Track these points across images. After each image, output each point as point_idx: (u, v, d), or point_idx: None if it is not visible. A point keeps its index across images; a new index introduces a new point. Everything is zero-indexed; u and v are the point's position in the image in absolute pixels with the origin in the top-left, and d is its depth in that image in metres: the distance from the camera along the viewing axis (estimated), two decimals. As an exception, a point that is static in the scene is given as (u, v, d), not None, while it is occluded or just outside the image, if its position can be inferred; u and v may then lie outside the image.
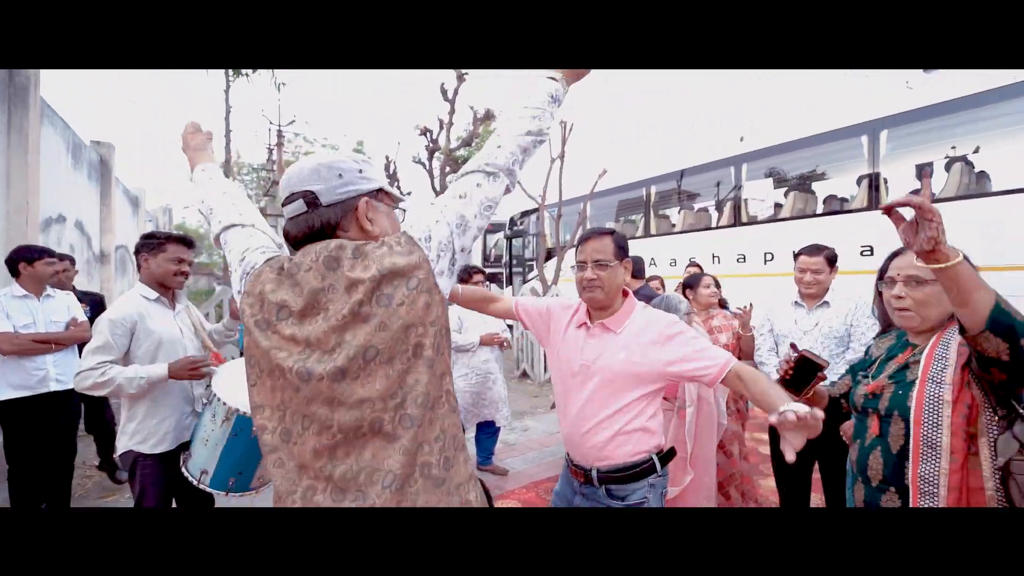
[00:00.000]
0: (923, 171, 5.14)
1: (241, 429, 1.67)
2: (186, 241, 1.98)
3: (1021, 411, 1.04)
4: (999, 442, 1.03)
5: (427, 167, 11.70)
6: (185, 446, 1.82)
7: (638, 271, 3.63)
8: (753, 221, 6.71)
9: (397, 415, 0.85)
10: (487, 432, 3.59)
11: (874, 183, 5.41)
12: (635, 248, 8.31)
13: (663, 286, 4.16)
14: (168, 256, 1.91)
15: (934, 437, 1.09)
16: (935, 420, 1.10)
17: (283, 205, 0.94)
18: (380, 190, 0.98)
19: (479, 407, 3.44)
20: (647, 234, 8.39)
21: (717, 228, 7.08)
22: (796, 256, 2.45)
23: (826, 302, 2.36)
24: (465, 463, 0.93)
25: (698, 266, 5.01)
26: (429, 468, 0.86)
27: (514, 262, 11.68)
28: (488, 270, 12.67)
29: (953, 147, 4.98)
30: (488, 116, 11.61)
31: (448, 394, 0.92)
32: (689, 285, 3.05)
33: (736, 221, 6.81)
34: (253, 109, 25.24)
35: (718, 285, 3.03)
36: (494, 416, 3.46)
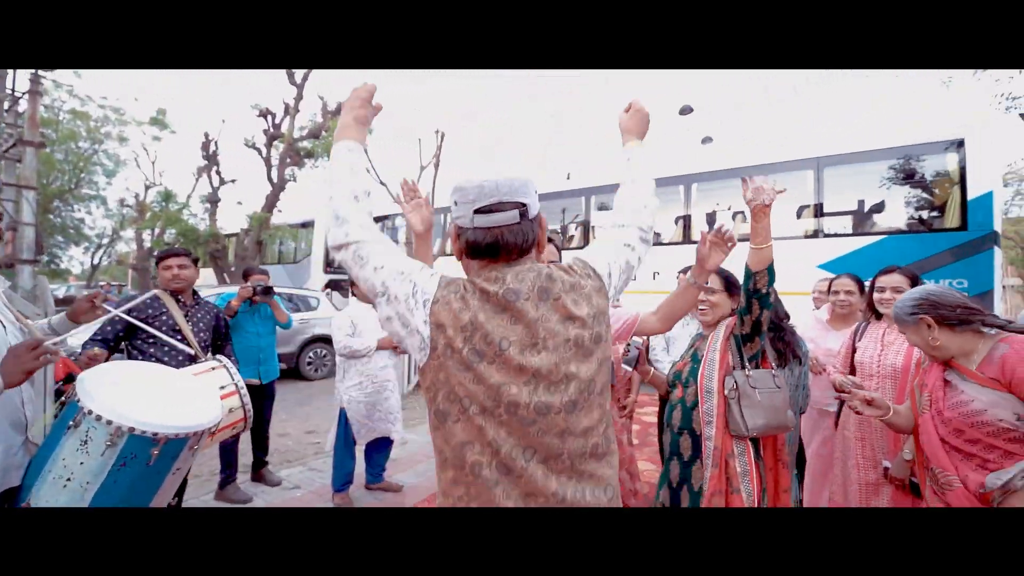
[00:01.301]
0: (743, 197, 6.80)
1: (134, 455, 1.19)
2: None
3: (746, 362, 1.74)
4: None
5: (263, 154, 10.18)
6: (12, 493, 1.20)
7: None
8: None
9: (602, 438, 0.92)
10: (379, 447, 3.24)
11: (687, 223, 7.07)
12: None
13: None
14: None
15: (710, 386, 1.72)
16: (710, 374, 1.73)
17: (485, 212, 0.88)
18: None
19: (373, 420, 3.09)
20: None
21: (573, 249, 7.92)
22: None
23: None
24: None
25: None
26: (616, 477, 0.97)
27: (363, 269, 10.93)
28: (331, 276, 11.65)
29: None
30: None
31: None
32: None
33: (587, 243, 7.75)
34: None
35: None
36: (389, 430, 3.15)
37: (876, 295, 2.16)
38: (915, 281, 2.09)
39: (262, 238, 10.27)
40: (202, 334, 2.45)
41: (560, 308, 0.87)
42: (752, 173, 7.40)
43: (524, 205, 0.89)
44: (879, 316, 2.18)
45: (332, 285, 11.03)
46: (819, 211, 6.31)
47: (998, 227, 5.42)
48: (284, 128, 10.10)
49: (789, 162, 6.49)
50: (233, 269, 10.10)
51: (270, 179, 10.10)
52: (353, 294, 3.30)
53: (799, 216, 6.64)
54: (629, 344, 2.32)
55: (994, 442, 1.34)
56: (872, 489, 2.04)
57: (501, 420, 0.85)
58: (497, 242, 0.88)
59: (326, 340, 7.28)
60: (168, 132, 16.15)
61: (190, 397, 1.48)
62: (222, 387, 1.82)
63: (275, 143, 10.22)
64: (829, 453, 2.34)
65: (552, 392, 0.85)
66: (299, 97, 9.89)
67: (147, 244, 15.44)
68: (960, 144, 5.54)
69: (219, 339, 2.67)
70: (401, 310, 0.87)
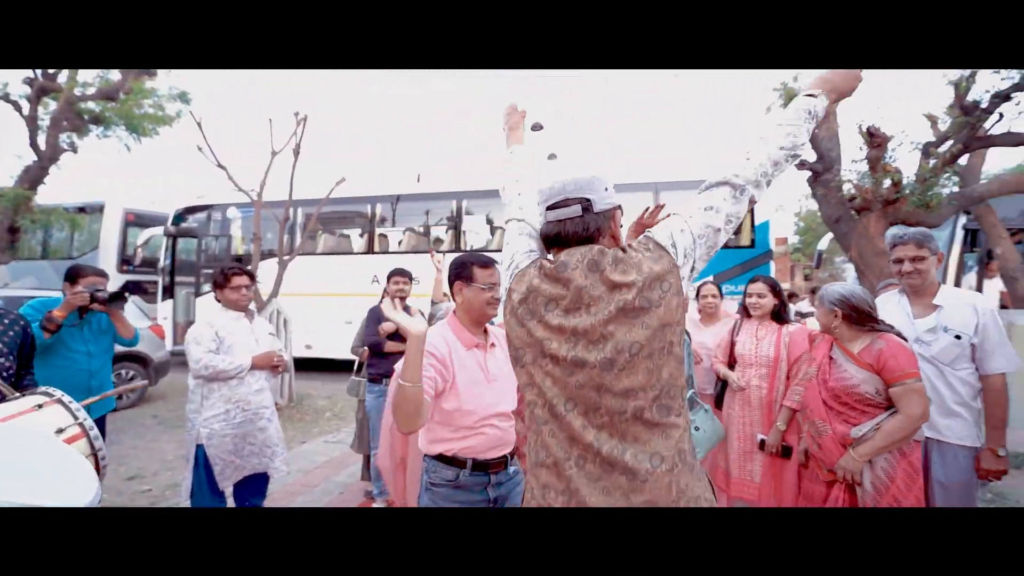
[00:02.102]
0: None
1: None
2: None
3: None
4: None
5: (25, 112, 7.56)
6: None
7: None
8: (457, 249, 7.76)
9: (655, 405, 0.96)
10: (251, 487, 2.65)
11: (459, 231, 7.90)
12: (356, 263, 8.14)
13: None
14: None
15: None
16: None
17: (551, 207, 1.07)
18: (619, 206, 1.10)
19: (243, 456, 2.53)
20: (370, 250, 8.26)
21: (446, 252, 7.76)
22: None
23: None
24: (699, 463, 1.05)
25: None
26: (685, 455, 0.98)
27: (179, 269, 8.95)
28: (129, 277, 9.23)
29: None
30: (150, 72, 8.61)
31: (687, 386, 1.06)
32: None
33: (458, 247, 7.69)
34: None
35: None
36: (267, 466, 2.61)
37: (748, 299, 2.64)
38: (774, 286, 2.62)
39: (18, 223, 7.61)
40: (2, 359, 1.68)
41: (606, 279, 0.98)
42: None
43: (588, 200, 1.04)
44: (750, 315, 2.66)
45: (131, 288, 8.75)
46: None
47: (772, 247, 7.16)
48: (62, 80, 7.67)
49: (632, 184, 7.53)
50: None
51: (34, 146, 7.54)
52: (216, 299, 2.66)
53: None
54: None
55: (858, 406, 1.82)
56: (747, 456, 2.51)
57: (546, 370, 1.01)
58: (560, 233, 1.05)
59: (135, 359, 5.75)
60: None
61: (32, 458, 0.99)
62: (60, 430, 1.27)
63: (44, 98, 7.69)
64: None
65: (589, 349, 0.97)
66: (85, 44, 7.62)
67: None
68: (750, 181, 7.16)
69: (24, 365, 1.87)
70: (503, 273, 1.14)
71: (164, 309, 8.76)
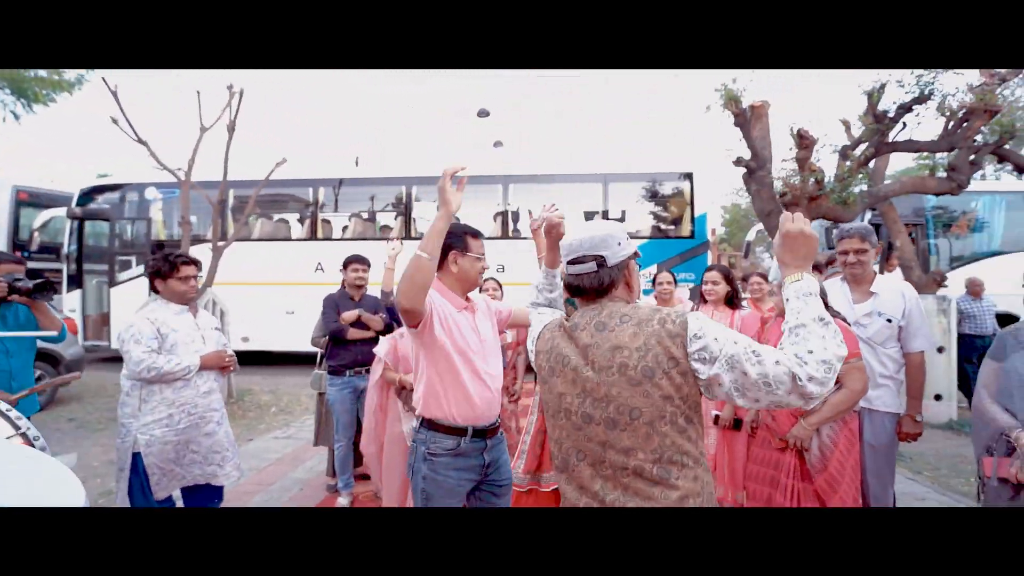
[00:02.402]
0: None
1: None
2: None
3: None
4: None
5: None
6: None
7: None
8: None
9: (655, 466, 1.01)
10: (199, 498, 2.45)
11: (409, 218, 7.82)
12: (298, 250, 7.68)
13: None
14: None
15: None
16: None
17: (571, 262, 1.17)
18: (635, 253, 1.18)
19: (184, 464, 2.30)
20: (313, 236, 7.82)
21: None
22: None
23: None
24: None
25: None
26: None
27: (87, 256, 7.97)
28: (28, 264, 8.07)
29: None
30: None
31: (703, 456, 1.07)
32: None
33: (408, 235, 7.48)
34: None
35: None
36: (213, 474, 2.38)
37: (704, 287, 2.85)
38: (727, 274, 2.86)
39: None
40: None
41: (611, 338, 1.04)
42: (557, 180, 8.29)
43: (602, 256, 1.13)
44: (706, 301, 2.87)
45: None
46: (606, 217, 7.67)
47: (709, 237, 7.64)
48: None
49: (585, 175, 7.72)
50: None
51: None
52: (154, 290, 2.40)
53: (590, 219, 7.96)
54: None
55: None
56: (704, 432, 2.80)
57: (560, 424, 1.12)
58: (579, 286, 1.15)
59: (44, 358, 5.08)
60: None
61: None
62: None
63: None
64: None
65: (595, 406, 1.05)
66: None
67: None
68: (690, 176, 7.56)
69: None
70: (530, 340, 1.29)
71: (71, 300, 7.79)
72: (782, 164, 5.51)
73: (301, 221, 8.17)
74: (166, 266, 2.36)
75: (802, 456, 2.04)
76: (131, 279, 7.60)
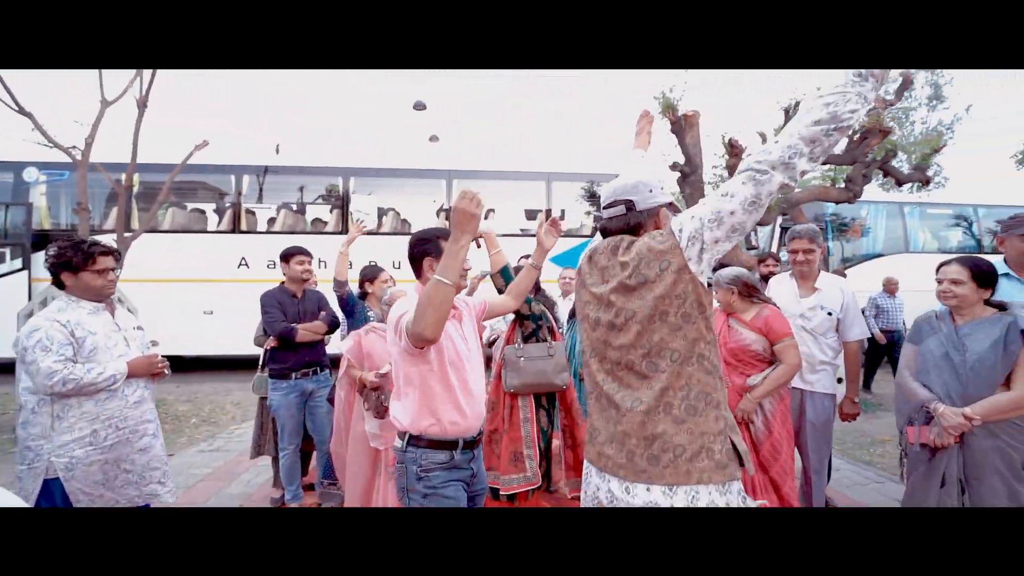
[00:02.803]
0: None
1: None
2: None
3: None
4: None
5: None
6: None
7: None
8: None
9: (644, 361, 1.15)
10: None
11: (345, 211, 7.39)
12: (218, 243, 6.95)
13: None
14: None
15: (496, 356, 2.47)
16: (498, 347, 2.61)
17: (605, 207, 1.28)
18: (671, 203, 1.27)
19: (117, 488, 1.99)
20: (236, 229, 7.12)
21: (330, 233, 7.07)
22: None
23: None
24: (716, 420, 1.14)
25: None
26: (670, 408, 1.13)
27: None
28: None
29: None
30: None
31: (701, 357, 1.14)
32: (368, 278, 3.06)
33: (344, 229, 7.06)
34: None
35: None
36: (157, 494, 2.10)
37: None
38: None
39: None
40: None
41: (619, 261, 1.20)
42: (502, 177, 8.29)
43: (632, 201, 1.24)
44: None
45: None
46: (549, 215, 7.80)
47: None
48: None
49: (529, 172, 7.79)
50: None
51: None
52: (58, 284, 2.04)
53: (532, 218, 8.04)
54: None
55: (751, 361, 2.26)
56: None
57: (583, 327, 1.32)
58: (606, 228, 1.29)
59: None
60: None
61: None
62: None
63: None
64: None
65: (602, 312, 1.23)
66: None
67: None
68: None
69: None
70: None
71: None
72: (713, 170, 5.97)
73: (220, 212, 7.40)
74: (78, 257, 2.00)
75: (748, 428, 2.27)
76: (5, 275, 6.43)
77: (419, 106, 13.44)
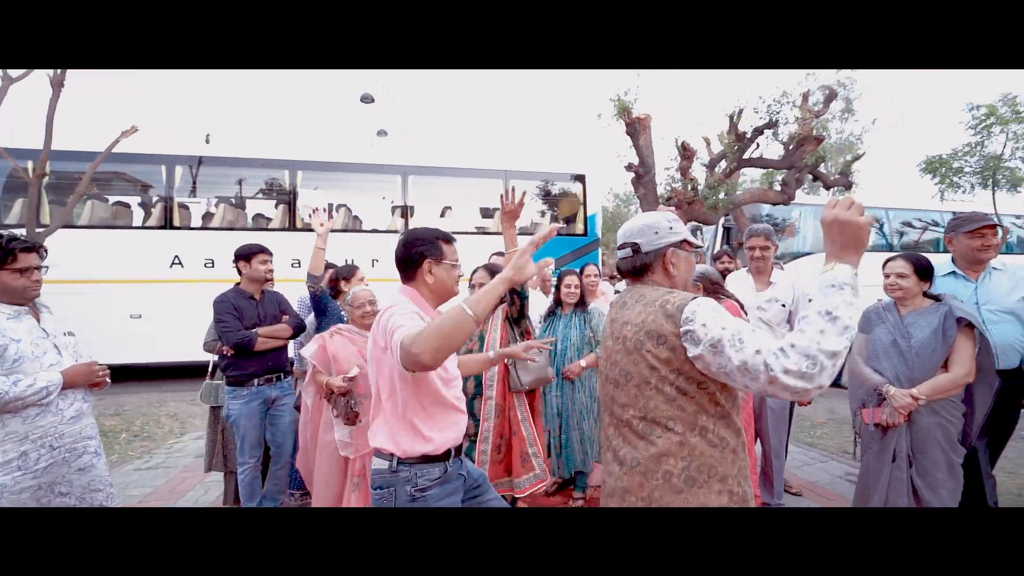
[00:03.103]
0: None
1: None
2: None
3: None
4: None
5: None
6: None
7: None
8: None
9: (640, 422, 1.17)
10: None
11: (292, 207, 7.06)
12: (147, 240, 6.34)
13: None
14: None
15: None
16: (493, 347, 2.51)
17: (618, 248, 1.34)
18: (684, 241, 1.28)
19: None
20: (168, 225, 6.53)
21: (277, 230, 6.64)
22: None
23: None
24: (720, 494, 1.10)
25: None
26: (670, 476, 1.12)
27: None
28: None
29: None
30: None
31: (704, 430, 1.11)
32: (344, 276, 2.96)
33: (292, 225, 6.69)
34: None
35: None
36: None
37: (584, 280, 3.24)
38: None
39: None
40: None
41: (627, 314, 1.24)
42: (459, 174, 8.21)
43: (637, 244, 1.28)
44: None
45: None
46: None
47: (599, 235, 8.28)
48: None
49: (487, 170, 7.75)
50: None
51: None
52: None
53: (489, 215, 8.01)
54: None
55: None
56: None
57: (600, 379, 1.37)
58: (620, 268, 1.35)
59: None
60: None
61: None
62: None
63: None
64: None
65: (610, 368, 1.27)
66: None
67: None
68: (583, 177, 8.10)
69: None
70: None
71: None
72: (665, 171, 6.24)
73: (146, 206, 6.75)
74: None
75: None
76: None
77: (367, 99, 12.95)
